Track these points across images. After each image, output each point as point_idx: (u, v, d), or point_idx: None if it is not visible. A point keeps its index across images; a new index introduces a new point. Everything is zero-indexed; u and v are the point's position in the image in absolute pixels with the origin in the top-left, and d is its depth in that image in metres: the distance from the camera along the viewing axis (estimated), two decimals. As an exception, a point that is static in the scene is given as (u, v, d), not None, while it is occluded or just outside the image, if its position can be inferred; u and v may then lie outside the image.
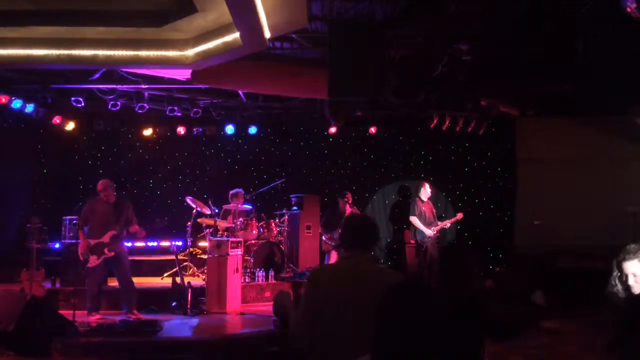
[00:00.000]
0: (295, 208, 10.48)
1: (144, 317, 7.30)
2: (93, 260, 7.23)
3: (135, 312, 7.35)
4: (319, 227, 9.63)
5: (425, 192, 9.63)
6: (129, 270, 7.56)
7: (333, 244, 9.00)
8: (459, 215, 9.64)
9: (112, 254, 7.31)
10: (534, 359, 6.28)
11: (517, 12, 6.69)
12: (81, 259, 7.29)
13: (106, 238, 7.29)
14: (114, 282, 7.81)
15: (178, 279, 8.28)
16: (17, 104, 9.55)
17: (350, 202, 8.92)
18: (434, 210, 9.74)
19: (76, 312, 6.65)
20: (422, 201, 9.59)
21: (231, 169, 12.07)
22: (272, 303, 8.62)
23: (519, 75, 8.53)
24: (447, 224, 9.68)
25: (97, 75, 9.03)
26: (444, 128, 10.58)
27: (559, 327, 7.66)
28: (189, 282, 7.97)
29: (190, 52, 6.49)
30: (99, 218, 7.40)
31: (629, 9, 5.13)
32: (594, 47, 7.21)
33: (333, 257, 8.68)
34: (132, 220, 7.62)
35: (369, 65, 6.54)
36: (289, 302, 3.24)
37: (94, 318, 7.09)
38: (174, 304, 7.82)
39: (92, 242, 7.27)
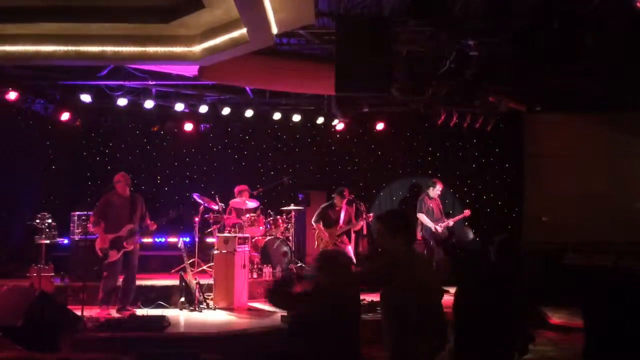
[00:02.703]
0: (302, 204, 10.49)
1: (151, 312, 7.33)
2: (113, 255, 7.18)
3: (129, 308, 7.37)
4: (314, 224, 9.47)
5: (435, 190, 9.59)
6: (136, 268, 7.56)
7: (332, 241, 8.86)
8: (467, 212, 9.59)
9: (132, 247, 7.30)
10: (540, 355, 6.26)
11: (525, 7, 6.65)
12: (100, 254, 7.19)
13: (124, 232, 7.26)
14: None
15: (186, 275, 8.31)
16: (26, 100, 9.60)
17: (347, 198, 8.84)
18: (442, 207, 9.71)
19: (85, 307, 6.69)
20: (430, 198, 9.57)
21: (238, 165, 12.08)
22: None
23: (527, 71, 8.49)
24: (454, 220, 9.63)
25: (105, 72, 9.06)
26: (451, 124, 10.53)
27: (565, 323, 7.64)
28: (196, 278, 8.00)
29: (197, 48, 6.50)
30: (116, 211, 7.34)
31: (638, 4, 5.09)
32: (603, 43, 7.16)
33: None
34: (146, 214, 7.62)
35: (376, 60, 6.51)
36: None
37: (104, 313, 7.11)
38: (181, 299, 7.85)
39: (110, 236, 7.21)
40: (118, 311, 7.29)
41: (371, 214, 9.33)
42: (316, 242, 8.97)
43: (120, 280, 7.53)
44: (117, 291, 7.50)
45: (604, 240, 9.18)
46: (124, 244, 7.24)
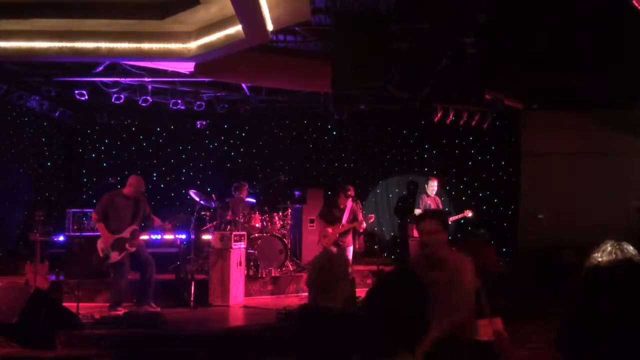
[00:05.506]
0: (298, 202, 10.47)
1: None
2: (115, 257, 7.08)
3: (153, 304, 7.31)
4: (317, 220, 9.38)
5: (432, 187, 9.60)
6: (152, 260, 7.41)
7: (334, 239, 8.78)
8: (467, 212, 9.54)
9: (134, 249, 7.19)
10: (540, 353, 6.27)
11: (522, 5, 6.64)
12: (101, 255, 7.10)
13: (127, 233, 7.16)
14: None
15: (181, 272, 8.29)
16: (21, 97, 9.57)
17: (352, 196, 8.80)
18: (441, 206, 9.71)
19: (80, 304, 6.67)
20: (428, 196, 9.60)
21: (235, 162, 12.07)
22: (274, 297, 8.65)
23: (523, 69, 8.49)
24: (452, 220, 9.60)
25: (100, 68, 9.03)
26: (447, 122, 10.52)
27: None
28: (192, 275, 7.98)
29: (193, 45, 6.48)
30: (119, 212, 7.23)
31: (635, 1, 5.08)
32: (601, 41, 7.16)
33: None
34: (150, 213, 7.53)
35: (373, 57, 6.50)
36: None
37: (116, 313, 6.97)
38: (177, 297, 7.83)
39: (113, 237, 7.10)
40: (136, 305, 7.20)
41: (372, 215, 9.23)
42: (319, 239, 8.86)
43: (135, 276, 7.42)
44: (128, 289, 7.38)
45: (600, 239, 9.18)
46: (127, 245, 7.13)
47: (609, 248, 3.31)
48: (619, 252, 3.25)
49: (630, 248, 3.30)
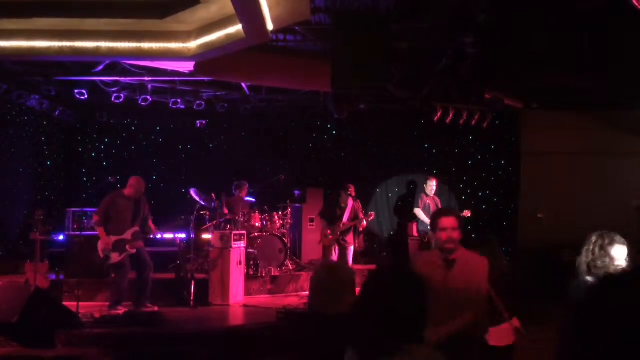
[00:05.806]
0: (298, 201, 10.48)
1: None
2: (115, 257, 7.07)
3: (149, 305, 7.30)
4: (318, 219, 9.38)
5: (431, 187, 9.62)
6: (151, 262, 7.38)
7: (335, 237, 8.77)
8: (466, 213, 9.55)
9: (134, 251, 7.18)
10: (540, 352, 6.26)
11: (522, 5, 6.64)
12: (101, 255, 7.10)
13: (128, 235, 7.16)
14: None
15: (181, 272, 8.29)
16: (21, 96, 9.57)
17: (353, 194, 8.81)
18: (440, 206, 9.72)
19: (80, 303, 6.68)
20: (427, 195, 9.61)
21: (234, 161, 12.07)
22: (274, 296, 8.66)
23: (523, 69, 8.49)
24: None
25: (100, 68, 9.02)
26: (447, 121, 10.52)
27: None
28: (192, 275, 7.98)
29: (193, 44, 6.48)
30: (120, 214, 7.21)
31: (634, 1, 5.08)
32: (601, 41, 7.16)
33: (335, 252, 8.55)
34: (149, 216, 7.52)
35: (373, 57, 6.50)
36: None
37: (116, 312, 6.98)
38: (177, 296, 7.83)
39: (113, 238, 7.09)
40: (134, 306, 7.18)
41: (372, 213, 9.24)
42: (320, 238, 8.83)
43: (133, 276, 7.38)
44: (129, 290, 7.37)
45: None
46: (127, 247, 7.12)
47: (594, 238, 3.47)
48: (599, 241, 3.40)
49: (618, 237, 3.40)
